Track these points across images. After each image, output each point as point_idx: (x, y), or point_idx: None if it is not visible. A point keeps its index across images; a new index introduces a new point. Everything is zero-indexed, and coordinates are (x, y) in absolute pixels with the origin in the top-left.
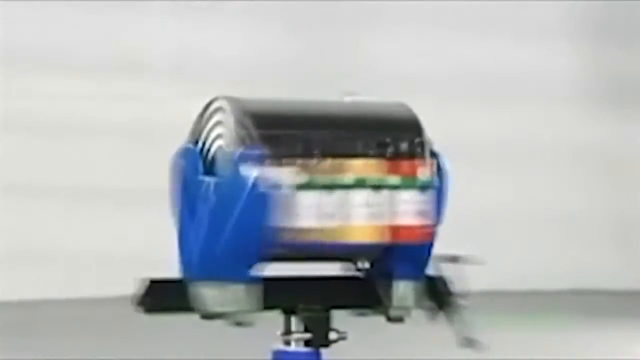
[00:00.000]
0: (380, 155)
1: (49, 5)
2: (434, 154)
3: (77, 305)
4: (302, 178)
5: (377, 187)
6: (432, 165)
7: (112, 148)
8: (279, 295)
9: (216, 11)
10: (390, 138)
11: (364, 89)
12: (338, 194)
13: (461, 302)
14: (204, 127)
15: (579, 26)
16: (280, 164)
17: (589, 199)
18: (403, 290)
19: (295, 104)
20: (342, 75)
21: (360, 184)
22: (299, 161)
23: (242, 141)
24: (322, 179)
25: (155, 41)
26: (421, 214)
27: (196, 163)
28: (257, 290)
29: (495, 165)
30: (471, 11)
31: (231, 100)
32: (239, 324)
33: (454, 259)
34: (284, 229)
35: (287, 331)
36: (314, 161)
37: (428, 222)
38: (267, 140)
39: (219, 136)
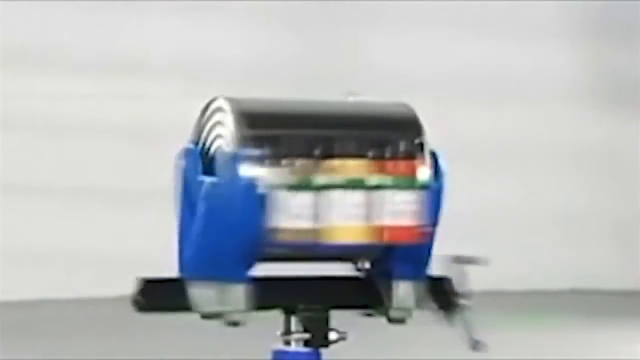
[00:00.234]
0: (379, 155)
1: (48, 5)
2: (432, 154)
3: (76, 305)
4: (301, 178)
5: (376, 187)
6: (431, 165)
7: (112, 148)
8: (278, 295)
9: (216, 11)
10: (390, 138)
11: (364, 89)
12: (337, 194)
13: (465, 302)
14: (204, 127)
15: (579, 26)
16: (279, 164)
17: (589, 199)
18: (403, 290)
19: (295, 104)
20: (342, 75)
21: (359, 184)
22: (298, 161)
23: (241, 141)
24: (321, 179)
25: (155, 41)
26: (420, 214)
27: (196, 163)
28: (254, 290)
29: (495, 165)
30: (471, 11)
31: (231, 100)
32: (236, 323)
33: (456, 259)
34: (281, 229)
35: (287, 331)
36: (312, 161)
37: (427, 222)
38: (266, 140)
39: (218, 136)
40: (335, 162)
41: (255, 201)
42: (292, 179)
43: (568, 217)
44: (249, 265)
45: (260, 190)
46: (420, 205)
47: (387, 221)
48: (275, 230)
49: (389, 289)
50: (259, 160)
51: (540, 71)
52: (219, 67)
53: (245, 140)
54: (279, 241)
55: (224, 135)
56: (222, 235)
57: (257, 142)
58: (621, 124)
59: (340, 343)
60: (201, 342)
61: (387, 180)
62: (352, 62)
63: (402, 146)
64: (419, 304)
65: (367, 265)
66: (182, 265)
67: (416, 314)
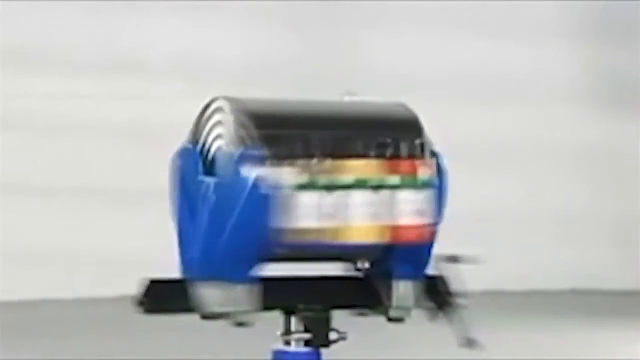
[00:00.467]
0: (380, 155)
1: (48, 5)
2: (433, 154)
3: (76, 305)
4: (302, 178)
5: (377, 187)
6: (431, 165)
7: (112, 148)
8: (279, 295)
9: (216, 11)
10: (390, 138)
11: (364, 89)
12: (338, 194)
13: (461, 301)
14: (204, 127)
15: (579, 26)
16: (280, 164)
17: (589, 199)
18: (403, 290)
19: (295, 104)
20: (342, 75)
21: (360, 184)
22: (299, 161)
23: (242, 141)
24: (322, 179)
25: (155, 41)
26: (421, 213)
27: (196, 163)
28: (257, 290)
29: (495, 165)
30: (471, 11)
31: (231, 100)
32: (239, 324)
33: (453, 259)
34: (283, 230)
35: (287, 331)
36: (313, 161)
37: (428, 222)
38: (267, 140)
39: (218, 136)
40: (336, 162)
41: (258, 201)
42: (293, 179)
43: (568, 217)
44: (251, 266)
45: (264, 190)
46: (422, 205)
47: (389, 221)
48: (279, 230)
49: (389, 288)
50: (260, 161)
51: (540, 71)
52: (219, 67)
53: (245, 141)
54: (283, 241)
55: (224, 135)
56: (223, 235)
57: (258, 142)
58: (621, 124)
59: (340, 343)
60: (202, 342)
61: (388, 180)
62: (352, 62)
63: (402, 146)
64: (418, 303)
65: (366, 265)
66: (185, 266)
67: (415, 313)
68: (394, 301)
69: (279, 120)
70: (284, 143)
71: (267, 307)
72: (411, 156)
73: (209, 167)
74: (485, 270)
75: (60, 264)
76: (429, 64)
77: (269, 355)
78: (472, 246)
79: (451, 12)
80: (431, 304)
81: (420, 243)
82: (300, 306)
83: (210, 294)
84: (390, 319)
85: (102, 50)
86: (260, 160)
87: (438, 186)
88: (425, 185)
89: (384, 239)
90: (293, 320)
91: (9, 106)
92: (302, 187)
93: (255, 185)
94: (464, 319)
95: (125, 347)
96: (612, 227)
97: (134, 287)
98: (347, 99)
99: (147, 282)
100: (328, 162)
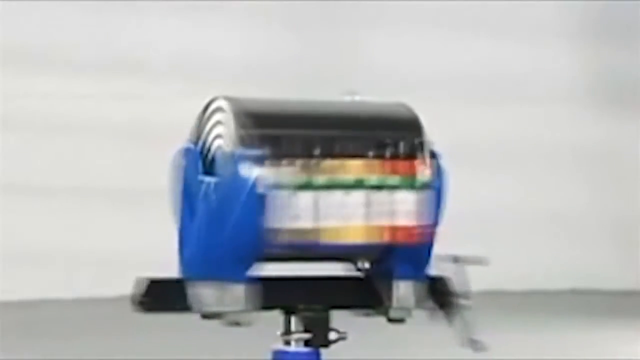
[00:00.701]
0: (379, 155)
1: (48, 5)
2: (433, 154)
3: (76, 305)
4: (302, 178)
5: (376, 187)
6: (431, 165)
7: (112, 148)
8: (278, 295)
9: (216, 11)
10: (390, 138)
11: (364, 89)
12: (337, 194)
13: (463, 302)
14: (204, 127)
15: (579, 26)
16: (279, 164)
17: (589, 199)
18: (403, 290)
19: (295, 104)
20: (342, 75)
21: (359, 184)
22: (299, 161)
23: (241, 141)
24: (321, 179)
25: (155, 41)
26: (420, 214)
27: (196, 163)
28: (256, 290)
29: (495, 165)
30: (471, 11)
31: (231, 100)
32: (237, 323)
33: (456, 259)
34: (283, 229)
35: (287, 331)
36: (313, 161)
37: (427, 222)
38: (266, 140)
39: (218, 136)
40: (336, 162)
41: (255, 201)
42: (293, 179)
43: (568, 217)
44: (250, 265)
45: (261, 190)
46: (421, 205)
47: (388, 221)
48: (275, 230)
49: (389, 289)
50: (260, 160)
51: (540, 71)
52: (219, 67)
53: (245, 140)
54: (280, 241)
55: (224, 135)
56: (223, 235)
57: (257, 142)
58: (621, 124)
59: (340, 343)
60: (201, 342)
61: (387, 180)
62: (352, 62)
63: (402, 146)
64: (418, 303)
65: (367, 265)
66: (184, 266)
67: (416, 313)
68: (395, 301)
69: (279, 120)
70: (283, 143)
71: (267, 307)
72: (410, 157)
73: (209, 167)
74: (485, 270)
75: (60, 264)
76: (429, 64)
77: (269, 355)
78: (472, 246)
79: (451, 12)
80: (433, 305)
81: (418, 244)
82: (301, 306)
83: (208, 294)
84: (390, 320)
85: (102, 50)
86: (260, 160)
87: (437, 187)
88: (424, 186)
89: (383, 239)
90: (293, 320)
91: (9, 106)
92: (301, 187)
93: (255, 185)
94: (466, 319)
95: (125, 347)
96: (612, 227)
97: (134, 287)
98: (347, 98)
99: (146, 282)
100: (327, 162)
